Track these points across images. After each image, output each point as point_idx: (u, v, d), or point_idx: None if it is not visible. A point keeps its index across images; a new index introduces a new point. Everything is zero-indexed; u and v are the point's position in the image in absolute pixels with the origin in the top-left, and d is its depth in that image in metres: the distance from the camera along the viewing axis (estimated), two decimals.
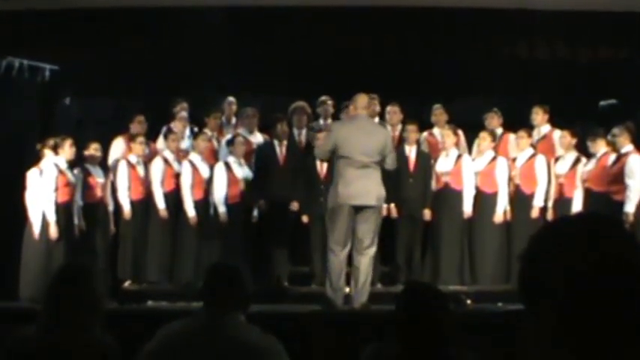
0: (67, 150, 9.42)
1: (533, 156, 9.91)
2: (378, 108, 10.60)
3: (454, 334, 3.39)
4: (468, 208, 9.86)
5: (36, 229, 9.16)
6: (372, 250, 8.13)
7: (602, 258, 1.42)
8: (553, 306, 1.43)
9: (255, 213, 10.10)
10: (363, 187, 7.93)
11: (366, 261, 8.07)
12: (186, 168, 9.85)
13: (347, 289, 8.25)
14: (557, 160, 9.99)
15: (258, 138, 10.56)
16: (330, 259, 8.13)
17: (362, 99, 8.34)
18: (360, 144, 7.96)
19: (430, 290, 3.61)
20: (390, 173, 9.41)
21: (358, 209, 7.99)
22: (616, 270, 1.41)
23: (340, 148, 7.99)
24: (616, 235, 1.48)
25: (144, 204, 9.89)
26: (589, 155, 9.73)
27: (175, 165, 9.95)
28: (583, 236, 1.46)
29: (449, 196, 9.94)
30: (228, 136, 10.47)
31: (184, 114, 10.74)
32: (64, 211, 9.31)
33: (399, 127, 10.50)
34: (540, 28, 10.66)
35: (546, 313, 1.45)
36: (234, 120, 11.07)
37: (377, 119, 10.52)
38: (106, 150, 10.19)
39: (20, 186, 9.28)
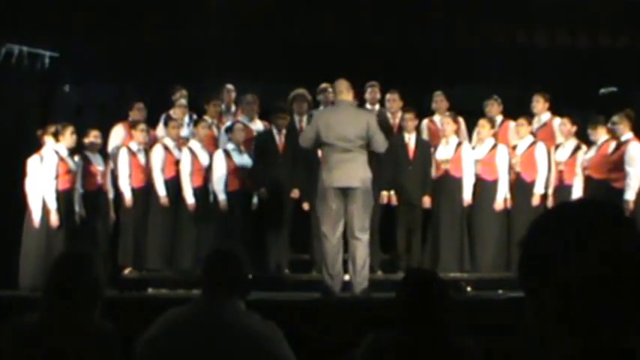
0: (68, 137, 9.42)
1: (533, 144, 9.91)
2: (378, 95, 10.64)
3: (454, 321, 3.40)
4: (467, 196, 9.86)
5: (36, 216, 9.17)
6: (366, 236, 8.17)
7: (602, 245, 1.43)
8: (553, 292, 1.44)
9: (255, 200, 10.10)
10: (346, 170, 8.01)
11: (360, 246, 8.11)
12: (185, 155, 9.86)
13: (347, 277, 8.29)
14: (557, 147, 10.00)
15: (257, 125, 10.57)
16: (323, 245, 8.19)
17: (342, 84, 8.36)
18: (341, 131, 8.03)
19: (431, 277, 3.61)
20: (390, 160, 9.47)
21: (345, 192, 8.04)
22: (616, 257, 1.42)
23: (322, 135, 8.08)
24: (616, 222, 1.49)
25: (145, 191, 9.90)
26: (589, 143, 9.75)
27: (176, 152, 9.95)
28: (583, 223, 1.47)
29: (449, 184, 9.94)
30: (228, 124, 10.49)
31: (183, 101, 10.76)
32: (64, 198, 9.32)
33: (399, 114, 10.49)
34: (540, 16, 10.69)
35: (547, 299, 1.46)
36: (233, 107, 11.09)
37: (377, 106, 10.56)
38: (105, 137, 10.19)
39: (21, 173, 9.28)
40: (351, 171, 8.01)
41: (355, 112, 8.47)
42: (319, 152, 9.57)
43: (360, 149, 8.08)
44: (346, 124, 8.07)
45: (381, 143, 8.25)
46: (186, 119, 10.69)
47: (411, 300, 3.43)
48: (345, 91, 8.32)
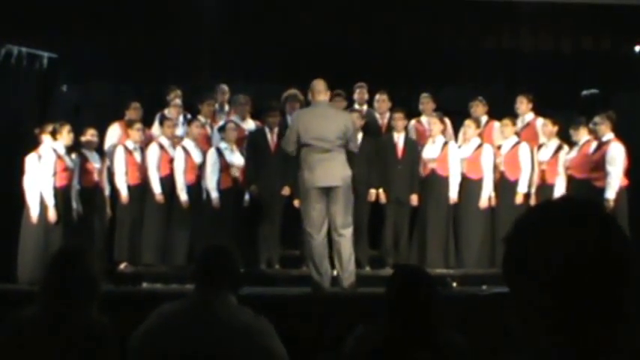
0: (66, 135, 9.50)
1: (517, 144, 10.05)
2: (366, 96, 10.81)
3: (442, 316, 3.47)
4: (453, 194, 10.01)
5: (34, 213, 9.23)
6: (349, 230, 8.23)
7: (584, 242, 1.49)
8: (536, 287, 1.50)
9: (247, 197, 10.24)
10: (327, 170, 8.06)
11: (344, 242, 8.16)
12: (179, 153, 10.00)
13: (334, 272, 8.35)
14: (540, 147, 10.13)
15: (250, 124, 10.68)
16: (308, 244, 8.23)
17: (318, 84, 8.38)
18: (320, 131, 8.09)
19: (419, 273, 3.67)
20: (379, 159, 9.63)
21: (327, 191, 8.12)
22: (597, 254, 1.48)
23: (302, 136, 8.13)
24: (597, 218, 1.55)
25: (140, 189, 10.04)
26: (571, 143, 9.88)
27: (171, 151, 10.08)
28: (565, 220, 1.53)
29: (435, 182, 10.08)
30: (221, 123, 10.61)
31: (178, 101, 10.86)
32: (62, 195, 9.42)
33: (388, 114, 10.66)
34: (525, 19, 10.78)
35: (530, 294, 1.51)
36: (227, 107, 11.17)
37: (365, 107, 10.73)
38: (102, 136, 10.30)
39: (19, 171, 9.37)
40: (332, 170, 8.07)
41: (333, 112, 8.54)
42: None
43: (338, 148, 8.14)
44: (325, 124, 8.12)
45: (354, 144, 8.42)
46: (181, 119, 10.80)
47: (399, 295, 3.47)
48: (322, 92, 8.34)
